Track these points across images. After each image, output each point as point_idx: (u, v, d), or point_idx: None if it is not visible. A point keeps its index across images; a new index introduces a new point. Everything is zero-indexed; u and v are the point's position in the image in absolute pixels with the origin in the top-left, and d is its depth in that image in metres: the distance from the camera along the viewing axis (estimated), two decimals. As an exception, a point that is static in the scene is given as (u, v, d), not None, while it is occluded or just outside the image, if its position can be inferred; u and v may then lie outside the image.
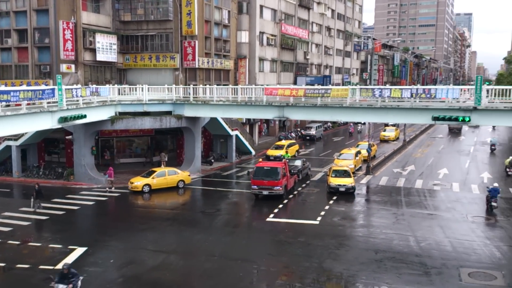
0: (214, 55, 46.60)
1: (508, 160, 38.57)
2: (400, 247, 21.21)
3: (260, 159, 32.54)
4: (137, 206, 29.28)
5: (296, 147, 47.03)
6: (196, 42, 41.73)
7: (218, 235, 23.13)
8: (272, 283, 17.63)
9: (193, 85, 38.38)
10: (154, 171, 32.78)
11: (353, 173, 35.12)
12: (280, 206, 28.02)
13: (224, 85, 45.09)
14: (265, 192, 28.83)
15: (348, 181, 30.91)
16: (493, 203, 26.96)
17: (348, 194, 30.49)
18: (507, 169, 37.86)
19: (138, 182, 31.75)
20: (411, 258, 19.81)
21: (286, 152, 41.70)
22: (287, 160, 32.74)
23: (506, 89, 27.54)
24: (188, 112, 35.66)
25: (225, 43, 49.09)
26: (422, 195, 31.24)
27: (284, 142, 46.01)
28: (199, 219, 26.31)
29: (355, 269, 18.66)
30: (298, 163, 36.22)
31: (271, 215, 26.10)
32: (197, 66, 42.59)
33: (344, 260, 19.61)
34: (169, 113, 35.68)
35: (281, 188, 28.73)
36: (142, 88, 34.78)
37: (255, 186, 29.06)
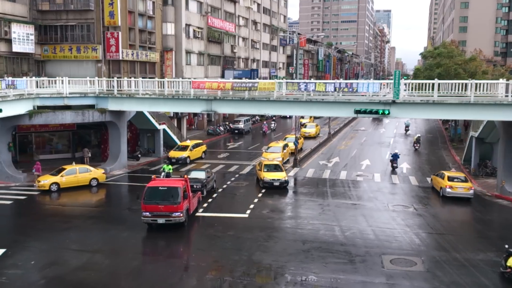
0: (139, 47, 45.36)
1: (415, 137, 49.54)
2: (326, 237, 21.81)
3: (154, 176, 25.42)
4: (58, 205, 27.89)
5: (203, 148, 42.60)
6: (120, 33, 40.37)
7: (145, 232, 22.57)
8: (201, 278, 17.47)
9: (117, 77, 37.17)
10: (64, 169, 30.75)
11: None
12: (210, 200, 27.86)
13: (150, 78, 44.08)
14: (161, 221, 22.10)
15: (281, 175, 31.13)
16: (394, 165, 37.61)
17: (277, 187, 30.73)
18: (415, 145, 48.16)
19: (46, 180, 29.76)
20: (336, 247, 20.42)
21: (170, 164, 34.76)
22: (187, 177, 24.99)
23: (422, 83, 29.11)
24: (112, 105, 34.46)
25: (150, 35, 47.93)
26: (346, 186, 32.33)
27: (188, 142, 41.48)
28: (125, 216, 25.52)
29: (284, 260, 18.95)
30: (201, 175, 29.85)
31: (201, 210, 25.88)
32: (121, 58, 41.25)
33: (273, 252, 19.84)
34: (92, 106, 34.31)
35: (181, 215, 22.18)
36: (62, 80, 33.14)
37: (147, 213, 22.15)
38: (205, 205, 26.82)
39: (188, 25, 54.28)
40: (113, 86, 34.30)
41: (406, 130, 60.69)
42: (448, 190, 28.62)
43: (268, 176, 30.88)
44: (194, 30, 55.76)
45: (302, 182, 33.34)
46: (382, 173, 36.43)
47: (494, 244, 21.21)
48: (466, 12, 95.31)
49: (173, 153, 39.69)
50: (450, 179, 29.22)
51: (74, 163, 32.94)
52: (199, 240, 21.72)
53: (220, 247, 20.50)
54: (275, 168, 32.01)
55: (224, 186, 31.56)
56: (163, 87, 33.48)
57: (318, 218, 24.79)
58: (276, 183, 30.61)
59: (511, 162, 29.46)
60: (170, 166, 32.54)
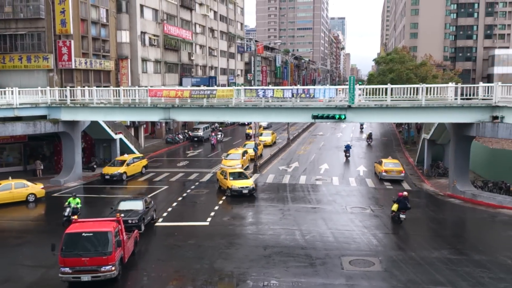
0: (92, 55, 44.54)
1: (368, 133, 56.57)
2: (287, 241, 21.99)
3: (75, 217, 20.18)
4: (10, 219, 26.88)
5: (143, 162, 38.37)
6: (72, 41, 39.56)
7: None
8: (162, 288, 17.25)
9: (70, 87, 36.31)
10: None
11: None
12: (169, 209, 27.57)
13: (105, 86, 43.30)
14: (86, 278, 16.87)
15: (249, 183, 31.01)
16: (347, 155, 45.27)
17: (245, 195, 30.29)
18: (368, 140, 54.78)
19: None
20: (297, 251, 20.62)
21: (75, 197, 25.40)
22: (120, 217, 19.30)
23: (376, 88, 29.92)
24: (66, 115, 33.64)
25: (104, 43, 47.13)
26: (306, 190, 32.71)
27: (126, 157, 37.43)
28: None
29: (246, 266, 18.97)
30: (138, 205, 23.96)
31: (160, 220, 25.56)
32: (73, 67, 40.40)
33: (235, 259, 19.83)
34: (44, 117, 33.37)
35: (113, 268, 17.08)
36: (12, 91, 32.05)
37: (66, 268, 16.84)
38: (164, 214, 26.51)
39: (143, 33, 53.73)
40: (66, 96, 33.49)
41: (361, 129, 64.79)
42: (384, 174, 35.26)
43: (236, 184, 30.50)
44: (150, 38, 55.23)
45: (262, 188, 33.48)
46: (340, 177, 37.08)
47: (447, 242, 21.96)
48: (416, 18, 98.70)
49: (107, 169, 35.72)
50: (386, 165, 35.75)
51: (10, 177, 30.49)
52: (158, 251, 21.42)
53: (181, 257, 20.31)
54: (240, 175, 31.81)
55: (184, 194, 31.30)
56: (119, 96, 32.96)
57: (279, 223, 24.96)
58: (245, 191, 30.32)
59: (462, 163, 30.63)
60: (78, 200, 25.21)
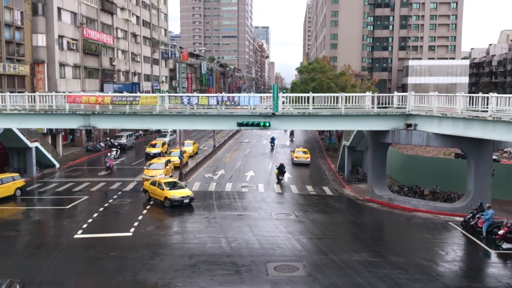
0: (6, 59, 42.06)
1: (290, 131, 61.61)
2: (213, 249, 21.89)
3: None
4: None
5: (17, 183, 32.03)
6: (-17, 44, 37.05)
7: (18, 258, 20.76)
8: (82, 303, 16.52)
9: (-19, 92, 33.96)
10: None
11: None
12: (90, 220, 26.51)
13: (19, 92, 40.95)
14: None
15: (188, 192, 30.43)
16: (272, 145, 58.01)
17: (186, 204, 29.79)
18: (290, 136, 61.98)
19: None
20: (223, 259, 20.59)
21: None
22: None
23: (299, 97, 30.72)
24: (-24, 123, 31.41)
25: (18, 46, 44.69)
26: (232, 197, 32.81)
27: None
28: (-7, 243, 23.22)
29: (170, 276, 18.65)
30: None
31: (80, 231, 24.50)
32: (-15, 71, 37.83)
33: (159, 269, 19.42)
34: (-50, 124, 30.91)
35: None
36: None
37: None
38: (84, 226, 25.45)
39: (61, 37, 51.52)
40: (-24, 102, 31.31)
41: (272, 146, 59.16)
42: (295, 159, 47.35)
43: (176, 194, 29.78)
44: (68, 42, 53.05)
45: (187, 196, 33.11)
46: (265, 183, 37.58)
47: (367, 245, 22.92)
48: (336, 30, 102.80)
49: None
50: (297, 153, 48.38)
51: None
52: (78, 264, 20.48)
53: (102, 269, 19.57)
54: (175, 185, 31.12)
55: (106, 204, 30.24)
56: (34, 102, 31.31)
57: (205, 231, 24.81)
58: (186, 200, 29.74)
59: (379, 168, 32.18)
60: None
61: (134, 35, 74.67)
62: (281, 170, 38.31)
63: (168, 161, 39.49)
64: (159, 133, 65.22)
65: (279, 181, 37.88)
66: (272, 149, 56.44)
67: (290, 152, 51.83)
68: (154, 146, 50.73)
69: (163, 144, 51.66)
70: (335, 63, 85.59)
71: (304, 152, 48.61)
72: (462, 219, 26.15)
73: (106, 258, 20.81)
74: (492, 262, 21.35)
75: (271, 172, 42.68)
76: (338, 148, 52.38)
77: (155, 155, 46.76)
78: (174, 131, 60.82)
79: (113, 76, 65.14)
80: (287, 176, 40.79)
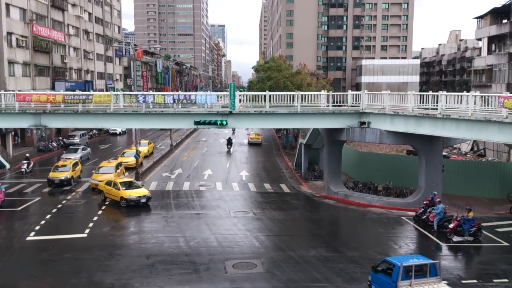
0: (-50, 56, 40.07)
1: (227, 139, 57.95)
2: (171, 249, 21.73)
3: None
4: None
5: None
6: None
7: (-35, 264, 19.96)
8: (36, 308, 16.06)
9: None
10: None
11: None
12: (42, 222, 25.72)
13: (-35, 90, 39.17)
14: None
15: (145, 192, 29.91)
16: (229, 147, 56.15)
17: (143, 204, 29.28)
18: (228, 146, 56.34)
19: None
20: (181, 258, 20.49)
21: None
22: None
23: (256, 95, 30.87)
24: None
25: (-36, 42, 42.67)
26: (190, 196, 32.63)
27: None
28: None
29: (127, 277, 18.38)
30: None
31: (32, 233, 23.74)
32: None
33: (115, 270, 19.11)
34: None
35: None
36: None
37: None
38: (37, 228, 24.67)
39: (10, 33, 49.59)
40: None
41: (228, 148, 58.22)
42: (250, 140, 61.90)
43: (133, 194, 29.21)
44: (17, 39, 51.13)
45: (144, 196, 32.67)
46: (223, 182, 37.57)
47: (323, 240, 23.38)
48: (291, 29, 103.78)
49: None
50: (251, 135, 62.18)
51: None
52: (31, 267, 19.85)
53: (56, 272, 19.07)
54: (131, 185, 30.50)
55: (59, 205, 29.40)
56: (-18, 101, 30.04)
57: (163, 230, 24.58)
58: (143, 200, 29.25)
59: (335, 165, 32.83)
60: None
61: (87, 32, 72.79)
62: (229, 141, 56.32)
63: (119, 164, 37.50)
64: (65, 149, 50.63)
65: (228, 150, 54.61)
66: (228, 151, 54.65)
67: (246, 134, 66.25)
68: (59, 168, 35.42)
69: (75, 165, 36.72)
70: (291, 62, 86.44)
71: (257, 135, 62.93)
72: (414, 213, 27.09)
73: (60, 260, 20.29)
74: (443, 255, 22.21)
75: (229, 170, 42.72)
76: (295, 146, 52.98)
77: (62, 183, 34.33)
78: (87, 144, 51.81)
79: (65, 74, 63.29)
80: (244, 174, 40.94)
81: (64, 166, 35.77)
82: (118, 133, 69.31)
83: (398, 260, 15.92)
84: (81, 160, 43.25)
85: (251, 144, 61.31)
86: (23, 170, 39.32)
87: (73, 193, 32.76)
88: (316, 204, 31.58)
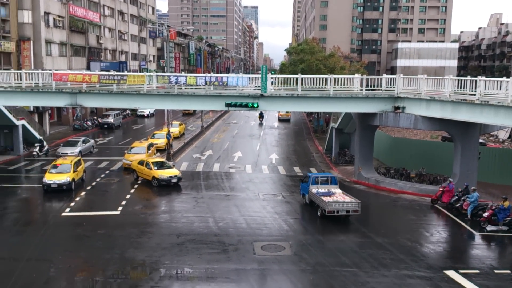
0: (-10, 35, 41.21)
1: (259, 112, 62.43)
2: (200, 229, 22.02)
3: None
4: None
5: None
6: (-33, 19, 36.26)
7: (5, 235, 20.76)
8: (71, 280, 16.61)
9: (-35, 68, 33.34)
10: None
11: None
12: (77, 199, 26.45)
13: (5, 69, 40.32)
14: None
15: (176, 172, 30.44)
16: (260, 119, 65.69)
17: (174, 184, 29.77)
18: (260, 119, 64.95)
19: None
20: (210, 238, 20.74)
21: None
22: None
23: (287, 78, 30.60)
24: (-40, 100, 30.92)
25: (4, 23, 43.85)
26: (219, 178, 32.88)
27: None
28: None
29: (158, 255, 18.76)
30: None
31: (67, 209, 24.46)
32: (-31, 47, 37.11)
33: (146, 248, 19.52)
34: None
35: None
36: None
37: None
38: (72, 204, 25.40)
39: (47, 13, 50.59)
40: (-40, 78, 30.73)
41: (261, 123, 65.27)
42: (280, 116, 68.48)
43: (164, 174, 29.74)
44: (54, 19, 52.13)
45: (175, 176, 33.12)
46: (253, 164, 37.68)
47: (353, 226, 23.19)
48: (325, 11, 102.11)
49: None
50: (281, 113, 67.57)
51: None
52: (66, 241, 20.51)
53: (90, 247, 19.63)
54: (162, 165, 31.01)
55: (94, 183, 30.16)
56: (21, 79, 30.85)
57: (193, 211, 24.91)
58: (174, 180, 29.75)
59: (366, 151, 32.41)
60: None
61: (121, 13, 73.54)
62: (261, 114, 64.59)
63: (151, 145, 38.10)
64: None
65: (261, 122, 64.04)
66: (260, 124, 63.70)
67: (276, 113, 72.01)
68: (57, 168, 28.47)
69: (77, 163, 29.63)
70: (325, 45, 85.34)
71: (287, 112, 67.59)
72: (434, 199, 26.70)
73: (94, 236, 20.85)
74: (476, 244, 21.78)
75: (259, 153, 42.79)
76: (325, 130, 52.54)
77: (61, 187, 27.40)
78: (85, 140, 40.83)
79: (100, 55, 64.30)
80: (274, 157, 40.94)
81: (63, 165, 28.82)
82: (145, 115, 68.85)
83: (312, 174, 27.13)
84: (81, 155, 36.52)
85: (281, 120, 67.52)
86: (34, 153, 37.93)
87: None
88: (346, 189, 31.17)
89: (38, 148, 38.36)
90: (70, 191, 27.71)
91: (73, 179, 28.28)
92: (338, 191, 25.34)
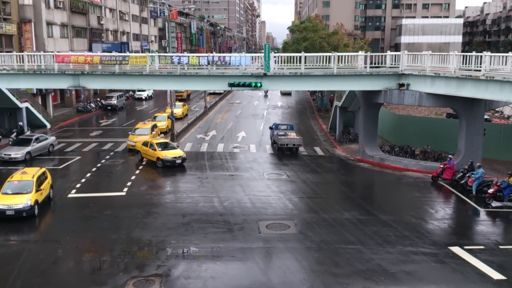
0: (-9, 17, 40.96)
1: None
2: (205, 208, 22.14)
3: None
4: None
5: None
6: (-33, 1, 35.98)
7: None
8: (78, 260, 16.80)
9: (-33, 52, 33.21)
10: None
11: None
12: (83, 180, 26.59)
13: (7, 52, 40.15)
14: None
15: (180, 153, 30.36)
16: (267, 94, 72.76)
17: (178, 165, 29.77)
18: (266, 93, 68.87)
19: None
20: (216, 217, 20.87)
21: None
22: None
23: (291, 57, 30.41)
24: (-37, 83, 30.89)
25: (4, 5, 43.54)
26: (223, 158, 32.93)
27: None
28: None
29: (164, 234, 18.91)
30: None
31: (73, 191, 24.61)
32: (-30, 30, 36.91)
33: (152, 228, 19.68)
34: None
35: None
36: None
37: None
38: (78, 185, 25.55)
39: (48, -6, 50.15)
40: (-37, 61, 30.65)
41: (266, 95, 74.21)
42: (281, 91, 71.88)
43: (168, 154, 29.72)
44: (55, 0, 51.67)
45: (179, 157, 33.19)
46: (257, 144, 37.68)
47: (357, 203, 23.28)
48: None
49: None
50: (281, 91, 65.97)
51: None
52: (72, 222, 20.69)
53: (97, 227, 19.80)
54: (166, 146, 31.04)
55: (99, 165, 30.27)
56: (23, 62, 30.75)
57: (197, 191, 25.01)
58: (179, 161, 29.77)
59: (371, 129, 32.29)
60: None
61: (122, -7, 72.81)
62: (265, 93, 71.00)
63: (155, 126, 38.01)
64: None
65: (266, 94, 72.12)
66: (265, 95, 72.42)
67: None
68: (13, 186, 21.09)
69: (40, 178, 21.88)
70: (328, 22, 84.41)
71: (287, 90, 70.53)
72: (433, 175, 26.76)
73: (100, 216, 21.02)
74: (481, 220, 21.82)
75: (263, 133, 42.74)
76: (329, 109, 52.32)
77: (20, 214, 19.89)
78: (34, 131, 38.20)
79: (101, 36, 63.90)
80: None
81: (21, 182, 21.17)
82: (144, 98, 66.82)
83: (276, 123, 38.40)
84: (31, 158, 30.28)
85: (283, 94, 73.46)
86: (10, 140, 33.50)
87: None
88: (350, 167, 31.35)
89: (14, 134, 34.09)
90: (32, 217, 20.31)
91: (36, 202, 20.53)
92: (292, 134, 34.86)
